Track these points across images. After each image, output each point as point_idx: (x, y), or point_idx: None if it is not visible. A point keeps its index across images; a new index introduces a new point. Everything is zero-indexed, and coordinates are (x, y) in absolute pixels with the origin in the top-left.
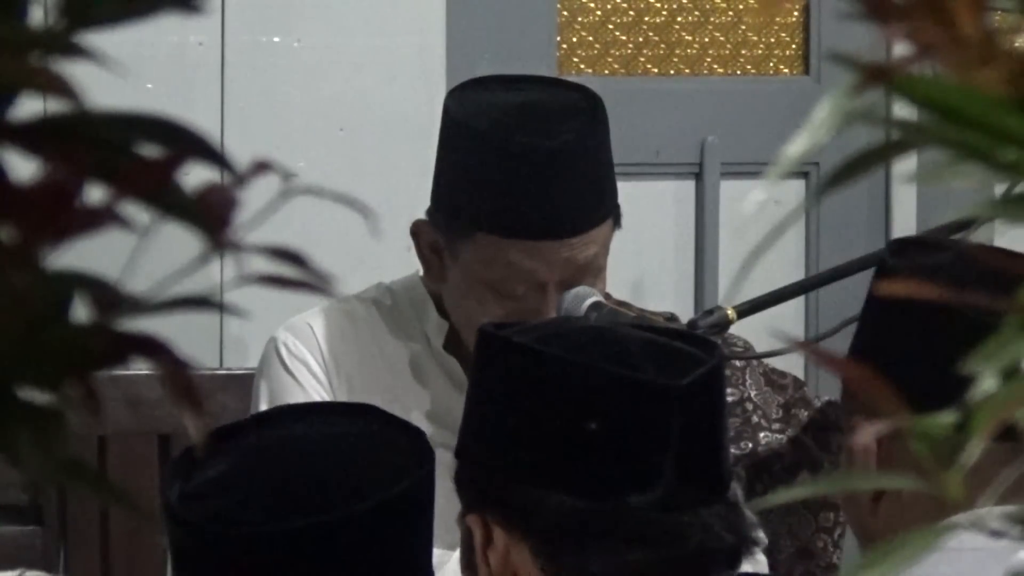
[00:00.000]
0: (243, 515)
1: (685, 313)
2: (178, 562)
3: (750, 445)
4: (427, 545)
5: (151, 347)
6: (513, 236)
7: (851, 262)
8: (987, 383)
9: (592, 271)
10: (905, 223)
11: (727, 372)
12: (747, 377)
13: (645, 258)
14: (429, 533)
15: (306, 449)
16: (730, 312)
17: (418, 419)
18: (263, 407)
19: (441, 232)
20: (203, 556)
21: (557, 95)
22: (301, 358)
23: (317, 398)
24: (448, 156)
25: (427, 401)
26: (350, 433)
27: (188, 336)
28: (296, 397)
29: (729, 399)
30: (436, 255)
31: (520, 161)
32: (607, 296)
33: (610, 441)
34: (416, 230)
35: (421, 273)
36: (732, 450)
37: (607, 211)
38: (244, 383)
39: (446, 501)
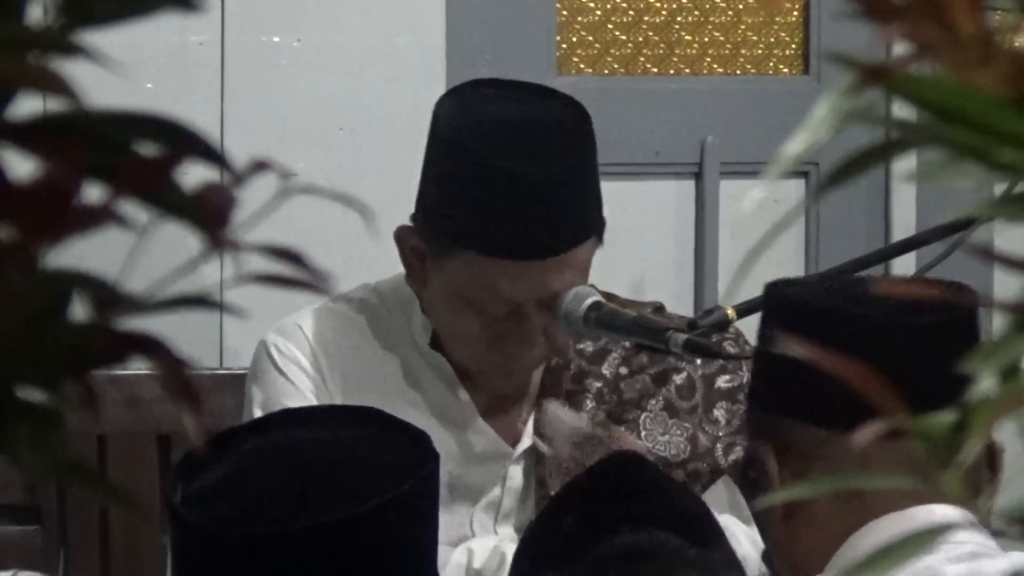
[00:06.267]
0: (246, 517)
1: (685, 312)
2: (181, 564)
3: None
4: (431, 545)
5: (149, 346)
6: (494, 255)
7: (850, 261)
8: (986, 383)
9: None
10: (904, 222)
11: (723, 362)
12: (742, 363)
13: (645, 258)
14: (434, 533)
15: (309, 451)
16: (730, 312)
17: (413, 416)
18: (256, 410)
19: (424, 241)
20: (206, 558)
21: (546, 110)
22: (293, 359)
23: (312, 397)
24: (435, 168)
25: (420, 398)
26: (353, 435)
27: (188, 336)
28: (290, 397)
29: (727, 385)
30: (419, 260)
31: (506, 183)
32: (592, 287)
33: None
34: (399, 236)
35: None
36: (740, 439)
37: (590, 230)
38: (244, 383)
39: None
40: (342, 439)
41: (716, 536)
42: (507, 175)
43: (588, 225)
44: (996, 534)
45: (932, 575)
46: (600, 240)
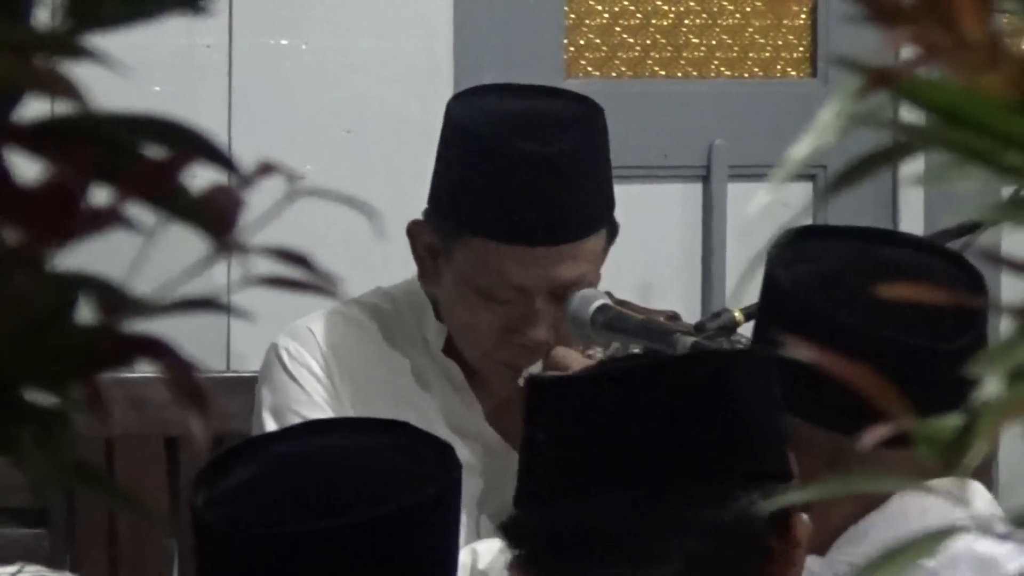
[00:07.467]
0: (268, 519)
1: (692, 315)
2: (203, 566)
3: None
4: (452, 553)
5: (156, 349)
6: (504, 240)
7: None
8: (992, 386)
9: (582, 287)
10: (912, 225)
11: None
12: None
13: (652, 260)
14: (455, 541)
15: (333, 457)
16: (737, 314)
17: (421, 423)
18: (267, 413)
19: (436, 233)
20: (228, 560)
21: (559, 104)
22: (303, 363)
23: (321, 402)
24: (446, 158)
25: (429, 404)
26: (377, 444)
27: (195, 339)
28: (300, 401)
29: None
30: (431, 257)
31: (516, 166)
32: (609, 295)
33: None
34: (412, 231)
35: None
36: None
37: (600, 222)
38: (251, 386)
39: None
40: (367, 447)
41: None
42: (516, 158)
43: (599, 217)
44: (1002, 537)
45: (969, 555)
46: (612, 238)
